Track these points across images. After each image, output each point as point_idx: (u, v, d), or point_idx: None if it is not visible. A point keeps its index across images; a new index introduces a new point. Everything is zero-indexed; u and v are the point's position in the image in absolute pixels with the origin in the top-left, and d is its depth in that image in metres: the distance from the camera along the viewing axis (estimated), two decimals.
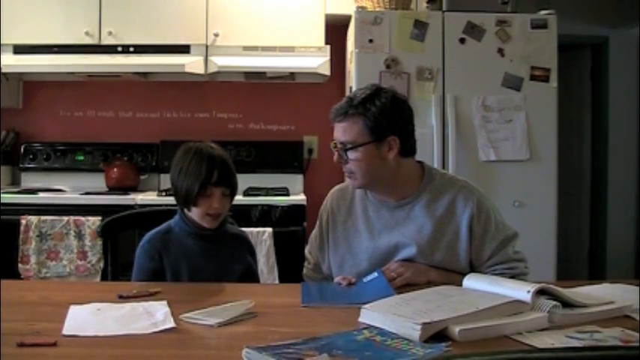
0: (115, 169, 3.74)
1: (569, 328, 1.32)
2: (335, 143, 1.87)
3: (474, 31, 3.24)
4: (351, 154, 1.82)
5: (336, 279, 1.81)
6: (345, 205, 1.98)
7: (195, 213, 1.91)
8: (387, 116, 1.81)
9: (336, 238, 1.96)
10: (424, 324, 1.23)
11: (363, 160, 1.82)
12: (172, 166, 1.94)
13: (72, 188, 3.71)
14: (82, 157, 3.87)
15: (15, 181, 3.93)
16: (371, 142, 1.80)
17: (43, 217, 3.22)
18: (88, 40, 3.54)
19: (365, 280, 1.74)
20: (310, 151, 3.98)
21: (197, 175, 1.86)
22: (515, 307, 1.36)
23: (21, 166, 3.87)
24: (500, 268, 1.84)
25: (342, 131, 1.83)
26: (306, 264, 2.06)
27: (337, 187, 2.07)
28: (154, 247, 1.92)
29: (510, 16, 3.28)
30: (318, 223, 2.03)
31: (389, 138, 1.82)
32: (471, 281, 1.58)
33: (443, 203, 1.86)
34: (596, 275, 4.57)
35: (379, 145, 1.81)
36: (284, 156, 3.90)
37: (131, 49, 3.54)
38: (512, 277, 1.80)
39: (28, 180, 3.86)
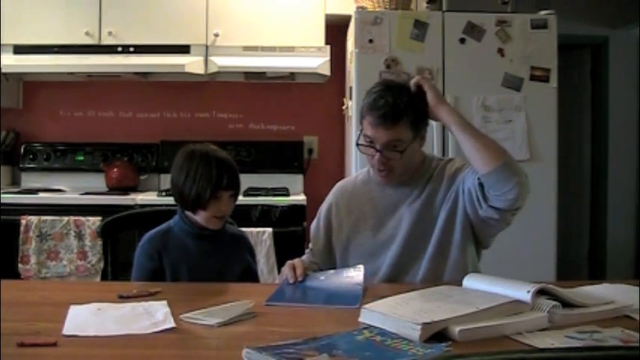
0: (115, 169, 3.74)
1: (569, 328, 1.31)
2: (370, 142, 1.86)
3: (473, 31, 3.24)
4: (396, 154, 1.85)
5: (286, 273, 1.79)
6: (348, 192, 2.04)
7: (202, 216, 1.90)
8: (423, 113, 1.90)
9: (340, 223, 2.00)
10: (424, 324, 1.23)
11: (407, 156, 1.87)
12: (175, 170, 1.92)
13: (72, 188, 3.71)
14: (82, 157, 3.87)
15: (15, 181, 3.93)
16: (413, 138, 1.88)
17: (43, 217, 3.22)
18: (88, 40, 3.54)
19: (345, 274, 1.76)
20: (310, 151, 3.98)
21: (208, 179, 1.85)
22: (515, 307, 1.36)
23: (21, 166, 3.87)
24: None
25: (390, 134, 1.84)
26: (307, 251, 2.09)
27: (340, 182, 2.13)
28: (154, 247, 1.92)
29: (510, 16, 3.28)
30: (318, 215, 2.07)
31: (422, 132, 1.92)
32: (471, 281, 1.58)
33: (443, 181, 1.93)
34: (596, 275, 4.57)
35: (417, 139, 1.90)
36: (284, 156, 3.90)
37: (131, 49, 3.54)
38: None
39: (28, 180, 3.86)
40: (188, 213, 1.93)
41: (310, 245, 2.09)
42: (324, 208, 2.07)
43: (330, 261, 2.00)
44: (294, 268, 1.79)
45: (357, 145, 1.90)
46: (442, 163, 1.99)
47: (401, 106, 1.84)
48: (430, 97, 1.86)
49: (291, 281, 1.76)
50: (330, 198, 2.08)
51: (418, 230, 1.90)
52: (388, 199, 1.96)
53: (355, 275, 1.74)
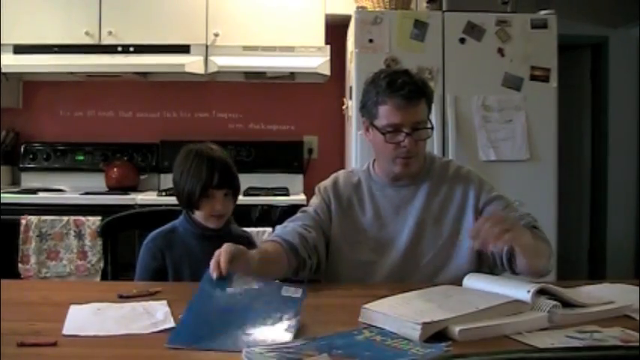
0: (115, 169, 3.74)
1: (569, 328, 1.31)
2: (398, 127, 1.78)
3: (473, 31, 3.24)
4: (427, 131, 1.84)
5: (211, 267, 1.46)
6: (352, 184, 1.95)
7: (199, 215, 1.92)
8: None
9: (343, 210, 1.90)
10: (424, 324, 1.23)
11: (426, 139, 1.86)
12: (174, 168, 1.95)
13: (72, 188, 3.71)
14: (82, 157, 3.87)
15: (15, 181, 3.93)
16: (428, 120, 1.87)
17: (43, 217, 3.22)
18: (88, 40, 3.54)
19: (284, 292, 1.39)
20: (310, 151, 3.98)
21: (198, 178, 1.86)
22: (515, 307, 1.36)
23: (21, 166, 3.87)
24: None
25: (417, 112, 1.81)
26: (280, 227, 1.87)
27: (341, 174, 2.02)
28: (157, 246, 1.93)
29: (510, 16, 3.29)
30: (317, 196, 1.94)
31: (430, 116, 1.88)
32: (471, 281, 1.58)
33: (445, 183, 1.90)
34: (596, 275, 4.57)
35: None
36: (284, 156, 3.90)
37: (131, 49, 3.54)
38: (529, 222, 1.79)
39: (28, 180, 3.86)
40: (192, 214, 1.94)
41: (307, 211, 1.90)
42: (328, 189, 1.92)
43: (321, 238, 1.86)
44: (218, 260, 1.44)
45: (384, 134, 1.78)
46: (443, 162, 1.97)
47: (419, 83, 1.82)
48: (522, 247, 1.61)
49: (214, 275, 1.42)
50: (328, 184, 1.95)
51: (420, 233, 1.85)
52: (389, 200, 1.90)
53: (294, 293, 1.39)
